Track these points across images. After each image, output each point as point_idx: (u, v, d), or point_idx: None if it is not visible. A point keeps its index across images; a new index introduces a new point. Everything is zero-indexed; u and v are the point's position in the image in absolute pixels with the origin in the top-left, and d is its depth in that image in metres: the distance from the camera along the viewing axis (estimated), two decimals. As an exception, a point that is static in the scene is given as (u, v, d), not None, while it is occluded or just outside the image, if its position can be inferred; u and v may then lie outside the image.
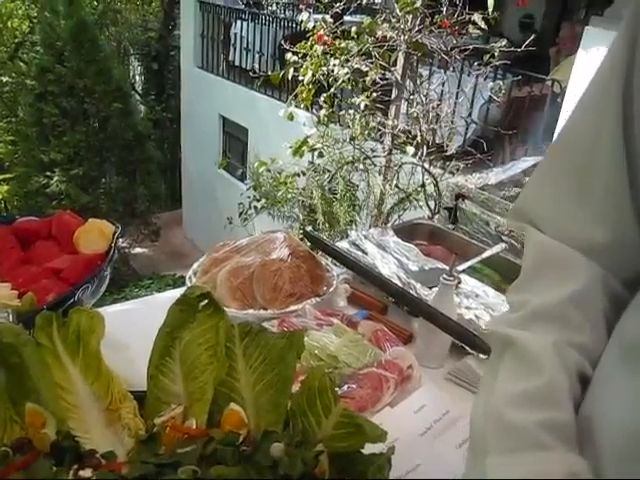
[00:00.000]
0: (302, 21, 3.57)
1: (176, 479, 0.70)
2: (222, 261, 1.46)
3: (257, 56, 7.86)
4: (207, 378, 0.82)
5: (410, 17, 3.25)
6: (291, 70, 3.59)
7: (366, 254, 1.62)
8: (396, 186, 3.38)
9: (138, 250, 9.46)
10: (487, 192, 1.95)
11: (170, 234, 10.10)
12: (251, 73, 4.89)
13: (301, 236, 2.67)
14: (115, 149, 8.03)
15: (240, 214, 4.05)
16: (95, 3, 12.67)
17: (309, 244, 1.63)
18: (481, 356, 1.22)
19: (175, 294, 1.60)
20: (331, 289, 1.47)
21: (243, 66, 8.16)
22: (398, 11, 3.39)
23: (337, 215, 3.33)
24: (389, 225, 2.61)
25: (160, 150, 10.23)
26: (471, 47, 3.45)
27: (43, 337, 0.82)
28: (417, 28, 3.26)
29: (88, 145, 7.81)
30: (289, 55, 3.63)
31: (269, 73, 4.15)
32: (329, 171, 3.52)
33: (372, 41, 3.25)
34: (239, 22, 8.38)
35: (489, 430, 0.56)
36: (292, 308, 1.37)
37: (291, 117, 3.73)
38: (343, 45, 3.26)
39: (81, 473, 0.73)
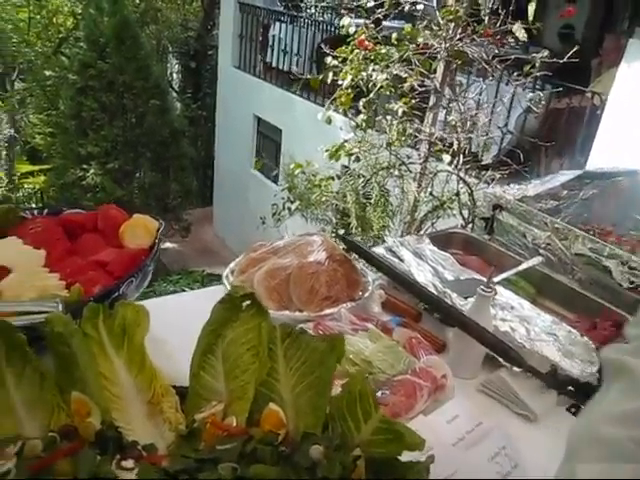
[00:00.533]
0: (343, 25, 3.58)
1: (216, 475, 0.71)
2: (259, 261, 1.47)
3: (294, 58, 7.89)
4: (249, 377, 0.83)
5: (452, 25, 3.24)
6: (330, 74, 3.59)
7: (402, 261, 1.61)
8: (430, 194, 3.36)
9: (168, 245, 9.56)
10: (525, 204, 1.93)
11: (200, 231, 10.19)
12: (291, 76, 4.88)
13: (334, 239, 2.67)
14: (150, 144, 8.15)
15: (273, 214, 4.07)
16: (137, 1, 12.87)
17: (345, 248, 1.63)
18: (515, 369, 1.21)
19: (209, 292, 1.63)
20: (366, 294, 1.47)
21: (280, 67, 8.20)
22: (440, 19, 3.37)
23: (370, 220, 3.33)
24: (425, 233, 2.60)
25: (194, 147, 10.33)
26: (512, 57, 3.41)
27: (90, 328, 0.84)
28: (458, 36, 3.24)
29: (125, 140, 7.94)
30: (329, 59, 3.63)
31: (307, 76, 4.15)
32: (364, 176, 3.52)
33: (413, 48, 3.23)
34: (277, 24, 8.42)
35: (584, 440, 0.60)
36: (327, 311, 1.37)
37: (329, 121, 3.73)
38: (384, 51, 3.25)
39: (123, 463, 0.74)
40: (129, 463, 0.75)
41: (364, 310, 1.46)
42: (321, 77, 3.70)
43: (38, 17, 13.92)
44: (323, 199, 3.53)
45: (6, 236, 1.17)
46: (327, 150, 3.53)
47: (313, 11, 11.96)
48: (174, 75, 13.18)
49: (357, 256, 1.57)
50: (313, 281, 1.42)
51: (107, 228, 1.18)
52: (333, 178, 3.68)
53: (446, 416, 1.12)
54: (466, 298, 1.42)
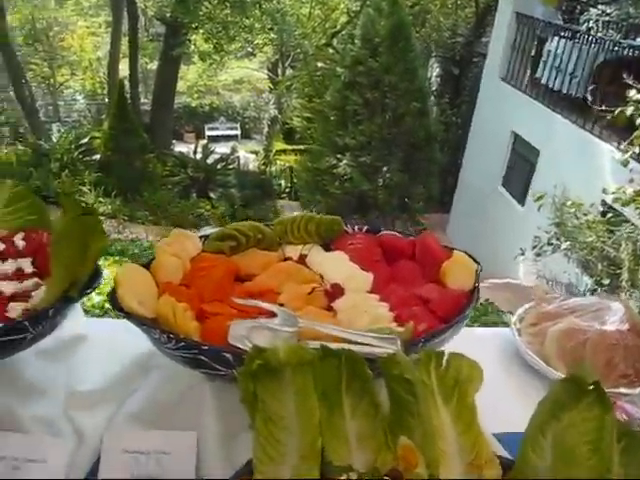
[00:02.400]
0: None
1: None
2: (555, 317, 1.39)
3: (568, 77, 7.40)
4: (583, 473, 0.76)
5: None
6: (630, 109, 3.26)
7: None
8: None
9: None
10: None
11: (432, 237, 10.17)
12: (596, 108, 4.45)
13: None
14: (403, 145, 8.31)
15: (534, 247, 3.86)
16: (409, 4, 13.19)
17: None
18: None
19: (489, 332, 1.57)
20: (667, 380, 1.31)
21: (550, 85, 7.77)
22: None
23: (645, 277, 2.97)
24: None
25: (440, 152, 10.33)
26: None
27: (424, 374, 0.84)
28: None
29: (380, 137, 8.19)
30: (632, 92, 3.29)
31: (601, 107, 3.84)
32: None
33: None
34: (555, 39, 7.97)
35: None
36: (624, 390, 1.25)
37: (625, 163, 3.41)
38: None
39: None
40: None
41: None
42: (619, 111, 3.35)
43: (317, 12, 15.08)
44: (597, 244, 3.22)
45: (329, 248, 1.24)
46: (613, 192, 3.22)
47: (592, 25, 11.13)
48: (433, 78, 13.27)
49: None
50: (613, 353, 1.30)
51: (425, 259, 1.16)
52: (610, 223, 3.34)
53: None
54: None
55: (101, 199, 10.65)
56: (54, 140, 12.07)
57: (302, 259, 1.18)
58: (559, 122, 7.22)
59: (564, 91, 7.47)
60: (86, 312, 1.33)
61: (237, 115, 19.52)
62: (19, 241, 1.03)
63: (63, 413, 1.04)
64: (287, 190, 13.88)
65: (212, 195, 11.96)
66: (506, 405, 1.18)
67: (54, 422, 1.01)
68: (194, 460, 0.95)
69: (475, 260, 1.15)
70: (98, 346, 1.24)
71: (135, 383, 1.15)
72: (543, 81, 8.04)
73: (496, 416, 0.95)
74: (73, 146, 11.68)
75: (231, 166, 13.24)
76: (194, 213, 10.87)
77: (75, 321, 1.15)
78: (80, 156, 11.68)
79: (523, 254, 4.17)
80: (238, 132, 18.76)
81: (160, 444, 0.96)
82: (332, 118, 8.75)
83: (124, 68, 14.79)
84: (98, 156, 11.66)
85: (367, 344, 0.89)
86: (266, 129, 17.23)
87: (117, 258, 6.77)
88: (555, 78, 7.72)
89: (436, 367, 0.85)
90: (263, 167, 14.72)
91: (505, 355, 1.42)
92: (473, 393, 0.84)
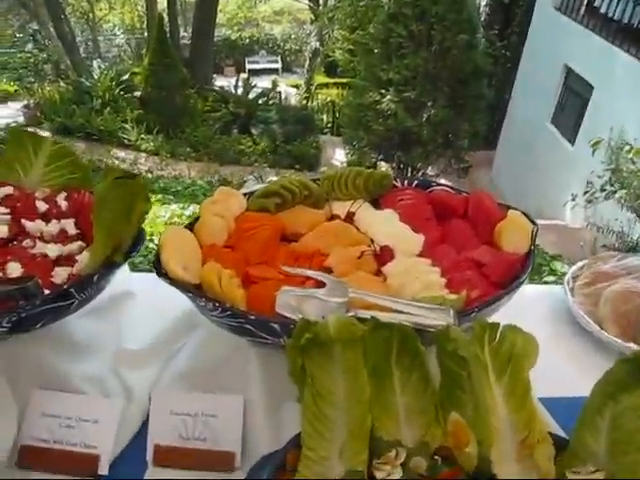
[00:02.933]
0: None
1: None
2: (610, 277, 1.32)
3: (631, 5, 6.91)
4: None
5: None
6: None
7: None
8: None
9: (442, 182, 9.56)
10: None
11: (476, 174, 9.94)
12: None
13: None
14: (450, 80, 7.98)
15: (585, 193, 3.68)
16: None
17: None
18: None
19: (536, 291, 1.51)
20: None
21: (610, 15, 7.29)
22: None
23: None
24: None
25: (487, 87, 9.93)
26: None
27: (477, 347, 0.81)
28: None
29: (425, 71, 7.88)
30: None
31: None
32: None
33: None
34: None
35: None
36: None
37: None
38: None
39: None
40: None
41: None
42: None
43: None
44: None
45: (378, 204, 1.19)
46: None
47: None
48: (481, 8, 12.62)
49: None
50: (672, 318, 1.24)
51: (478, 218, 1.09)
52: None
53: None
54: None
55: (143, 136, 10.70)
56: (95, 77, 12.07)
57: (350, 217, 1.14)
58: (617, 56, 6.80)
59: (625, 21, 7.00)
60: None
61: (278, 48, 19.09)
62: (62, 201, 1.02)
63: (112, 371, 1.05)
64: (329, 125, 13.65)
65: (253, 131, 11.87)
66: (556, 368, 1.14)
67: (103, 380, 1.03)
68: (241, 424, 0.95)
69: (531, 220, 1.08)
70: (143, 302, 1.25)
71: (181, 340, 1.15)
72: (602, 10, 7.55)
73: (544, 379, 0.91)
74: (114, 83, 11.69)
75: (272, 101, 13.06)
76: (235, 149, 10.85)
77: (120, 277, 1.14)
78: (121, 93, 11.68)
79: (574, 199, 3.98)
80: (279, 65, 18.40)
81: (208, 407, 0.96)
82: (376, 51, 8.44)
83: (162, 0, 14.52)
84: (139, 93, 11.65)
85: (419, 315, 0.86)
86: (307, 62, 16.83)
87: (160, 196, 6.84)
88: (616, 6, 7.23)
89: (490, 340, 0.82)
90: (305, 102, 14.46)
91: (555, 315, 1.37)
92: (528, 369, 0.80)
